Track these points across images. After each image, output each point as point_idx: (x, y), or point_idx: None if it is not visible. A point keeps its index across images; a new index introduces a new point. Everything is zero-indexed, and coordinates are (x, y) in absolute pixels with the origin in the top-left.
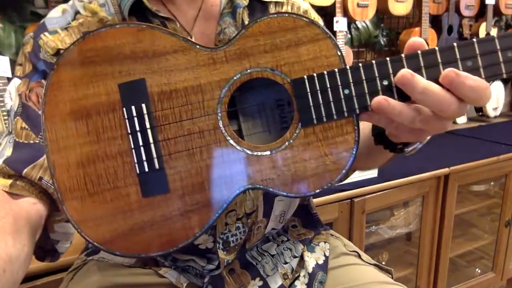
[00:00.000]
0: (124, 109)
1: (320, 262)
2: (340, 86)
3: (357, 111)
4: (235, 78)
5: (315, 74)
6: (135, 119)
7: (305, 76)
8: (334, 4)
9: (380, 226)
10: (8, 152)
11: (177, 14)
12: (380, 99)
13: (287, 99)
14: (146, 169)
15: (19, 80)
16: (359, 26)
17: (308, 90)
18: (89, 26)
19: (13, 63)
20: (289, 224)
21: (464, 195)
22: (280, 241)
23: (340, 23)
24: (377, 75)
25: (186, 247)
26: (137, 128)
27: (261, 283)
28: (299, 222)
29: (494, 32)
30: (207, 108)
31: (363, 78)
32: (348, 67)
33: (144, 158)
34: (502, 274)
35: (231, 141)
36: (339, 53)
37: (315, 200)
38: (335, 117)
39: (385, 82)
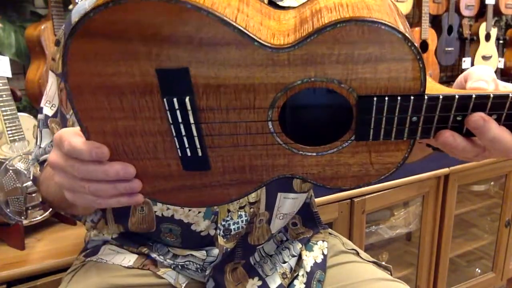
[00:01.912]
0: (165, 100)
1: (319, 260)
2: (409, 113)
3: (418, 138)
4: (295, 84)
5: (386, 97)
6: (178, 111)
7: (375, 97)
8: None
9: (380, 226)
10: (47, 140)
11: None
12: (447, 136)
13: (344, 109)
14: (189, 154)
15: (53, 74)
16: None
17: (374, 111)
18: None
19: (13, 63)
20: (289, 222)
21: (464, 195)
22: (279, 241)
23: None
24: (454, 110)
25: (188, 235)
26: (180, 120)
27: (260, 283)
28: (300, 220)
29: (494, 32)
30: (257, 110)
31: (438, 109)
32: (426, 95)
33: (186, 146)
34: (502, 274)
35: (279, 141)
36: (422, 78)
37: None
38: (392, 139)
39: (459, 118)
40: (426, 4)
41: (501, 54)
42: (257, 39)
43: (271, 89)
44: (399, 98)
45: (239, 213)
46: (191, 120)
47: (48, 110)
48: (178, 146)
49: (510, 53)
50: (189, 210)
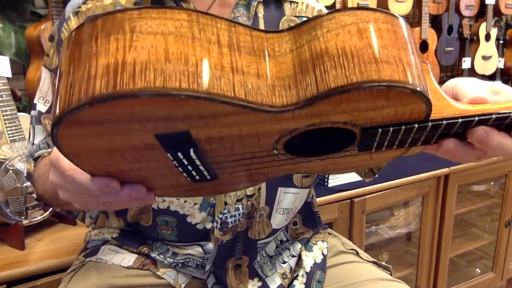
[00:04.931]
0: (169, 154)
1: (318, 261)
2: (412, 134)
3: (419, 144)
4: (299, 128)
5: (391, 128)
6: (183, 160)
7: (380, 129)
8: (334, 4)
9: (380, 226)
10: (41, 136)
11: None
12: (449, 143)
13: (348, 132)
14: (197, 178)
15: (46, 70)
16: None
17: (378, 137)
18: (95, 11)
19: (13, 63)
20: (290, 220)
21: (464, 195)
22: (280, 241)
23: None
24: (456, 128)
25: (184, 228)
26: (186, 163)
27: (260, 283)
28: (300, 219)
29: (494, 32)
30: (261, 145)
31: (441, 129)
32: (430, 122)
33: (194, 175)
34: (502, 274)
35: (283, 157)
36: (428, 111)
37: None
38: (394, 148)
39: (461, 130)
40: (426, 4)
41: (501, 54)
42: (259, 108)
43: (275, 133)
44: (403, 127)
45: (236, 206)
46: (198, 163)
47: (41, 106)
48: (186, 176)
49: (510, 53)
50: (185, 201)
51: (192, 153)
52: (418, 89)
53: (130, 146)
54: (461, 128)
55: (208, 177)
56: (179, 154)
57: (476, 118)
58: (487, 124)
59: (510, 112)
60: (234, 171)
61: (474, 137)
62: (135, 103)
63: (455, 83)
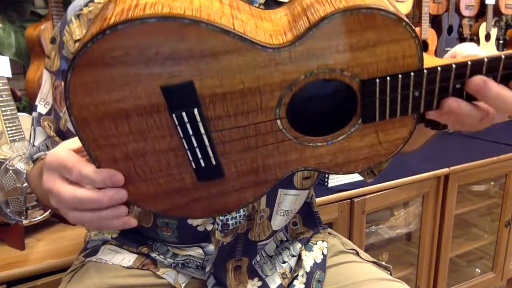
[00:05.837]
0: (174, 115)
1: (318, 261)
2: (411, 89)
3: (422, 110)
4: (298, 79)
5: (388, 77)
6: (188, 124)
7: (377, 79)
8: None
9: (380, 226)
10: (41, 138)
11: None
12: (451, 102)
13: (349, 96)
14: (202, 165)
15: (47, 72)
16: None
17: (377, 92)
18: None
19: (13, 63)
20: (290, 221)
21: (464, 195)
22: (279, 241)
23: None
24: (453, 78)
25: (184, 229)
26: (191, 133)
27: (260, 283)
28: (300, 219)
29: (494, 32)
30: (264, 110)
31: (438, 80)
32: (425, 69)
33: (199, 156)
34: (502, 274)
35: (289, 136)
36: (419, 55)
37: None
38: (398, 115)
39: (458, 85)
40: (426, 4)
41: None
42: (258, 42)
43: (276, 87)
44: (400, 76)
45: None
46: (202, 131)
47: (42, 108)
48: (191, 159)
49: None
50: None
51: (196, 113)
52: (402, 16)
53: (136, 106)
54: (458, 82)
55: (214, 162)
56: (184, 115)
57: (469, 63)
58: (481, 71)
59: (501, 56)
60: (240, 163)
61: (472, 86)
62: (143, 31)
63: (454, 49)
